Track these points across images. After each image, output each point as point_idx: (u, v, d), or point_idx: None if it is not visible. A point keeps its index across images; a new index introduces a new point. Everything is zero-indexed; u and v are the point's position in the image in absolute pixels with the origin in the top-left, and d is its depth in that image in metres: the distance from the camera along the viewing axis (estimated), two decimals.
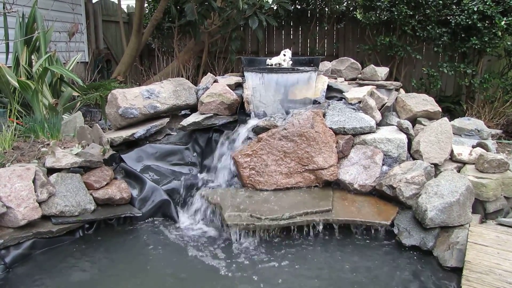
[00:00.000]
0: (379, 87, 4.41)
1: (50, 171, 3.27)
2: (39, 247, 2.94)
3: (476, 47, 5.54)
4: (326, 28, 7.22)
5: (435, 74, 5.98)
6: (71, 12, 6.72)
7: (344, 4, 7.12)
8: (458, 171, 3.46)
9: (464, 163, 3.55)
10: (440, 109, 4.10)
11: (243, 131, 3.88)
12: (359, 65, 4.89)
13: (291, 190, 3.57)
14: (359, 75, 4.81)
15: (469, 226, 2.89)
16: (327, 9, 7.23)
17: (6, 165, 3.17)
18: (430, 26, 5.78)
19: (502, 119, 5.48)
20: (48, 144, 3.65)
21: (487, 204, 3.25)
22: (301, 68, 4.34)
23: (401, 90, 4.61)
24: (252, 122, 3.94)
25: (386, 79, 4.68)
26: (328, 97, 4.21)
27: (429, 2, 5.67)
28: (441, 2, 5.62)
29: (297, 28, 7.68)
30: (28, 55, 4.58)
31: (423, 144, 3.55)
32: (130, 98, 4.00)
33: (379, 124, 3.99)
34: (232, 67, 7.58)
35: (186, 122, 3.97)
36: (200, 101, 4.12)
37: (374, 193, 3.50)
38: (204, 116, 4.00)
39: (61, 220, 3.05)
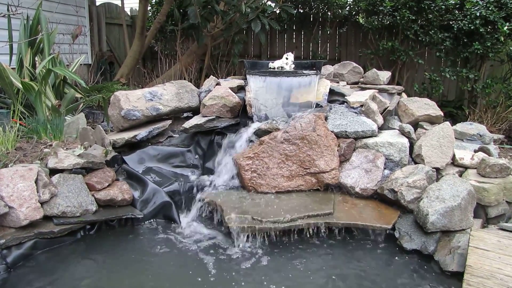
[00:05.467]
0: (381, 91, 4.42)
1: (53, 171, 3.28)
2: (41, 247, 2.95)
3: (479, 52, 5.54)
4: (328, 32, 7.23)
5: (437, 78, 5.98)
6: (75, 14, 6.75)
7: (347, 9, 7.13)
8: (460, 176, 3.45)
9: (466, 167, 3.54)
10: (442, 114, 4.10)
11: (245, 134, 3.89)
12: (361, 69, 4.90)
13: (293, 193, 3.58)
14: (361, 79, 4.82)
15: (471, 230, 2.89)
16: (329, 13, 7.24)
17: (9, 166, 3.18)
18: (432, 31, 5.79)
19: (504, 124, 5.47)
20: (50, 145, 3.66)
21: (488, 209, 3.24)
22: (303, 71, 4.35)
23: (403, 94, 4.62)
24: (254, 125, 3.95)
25: (388, 84, 4.69)
26: (330, 101, 4.22)
27: (432, 7, 5.68)
28: (443, 7, 5.64)
29: (299, 32, 7.70)
30: (32, 56, 4.60)
31: (425, 148, 3.55)
32: (133, 100, 4.02)
33: (381, 128, 4.00)
34: (235, 70, 7.60)
35: (188, 124, 3.98)
36: (202, 103, 4.13)
37: (375, 197, 3.50)
38: (206, 118, 4.01)
39: (63, 220, 3.06)
